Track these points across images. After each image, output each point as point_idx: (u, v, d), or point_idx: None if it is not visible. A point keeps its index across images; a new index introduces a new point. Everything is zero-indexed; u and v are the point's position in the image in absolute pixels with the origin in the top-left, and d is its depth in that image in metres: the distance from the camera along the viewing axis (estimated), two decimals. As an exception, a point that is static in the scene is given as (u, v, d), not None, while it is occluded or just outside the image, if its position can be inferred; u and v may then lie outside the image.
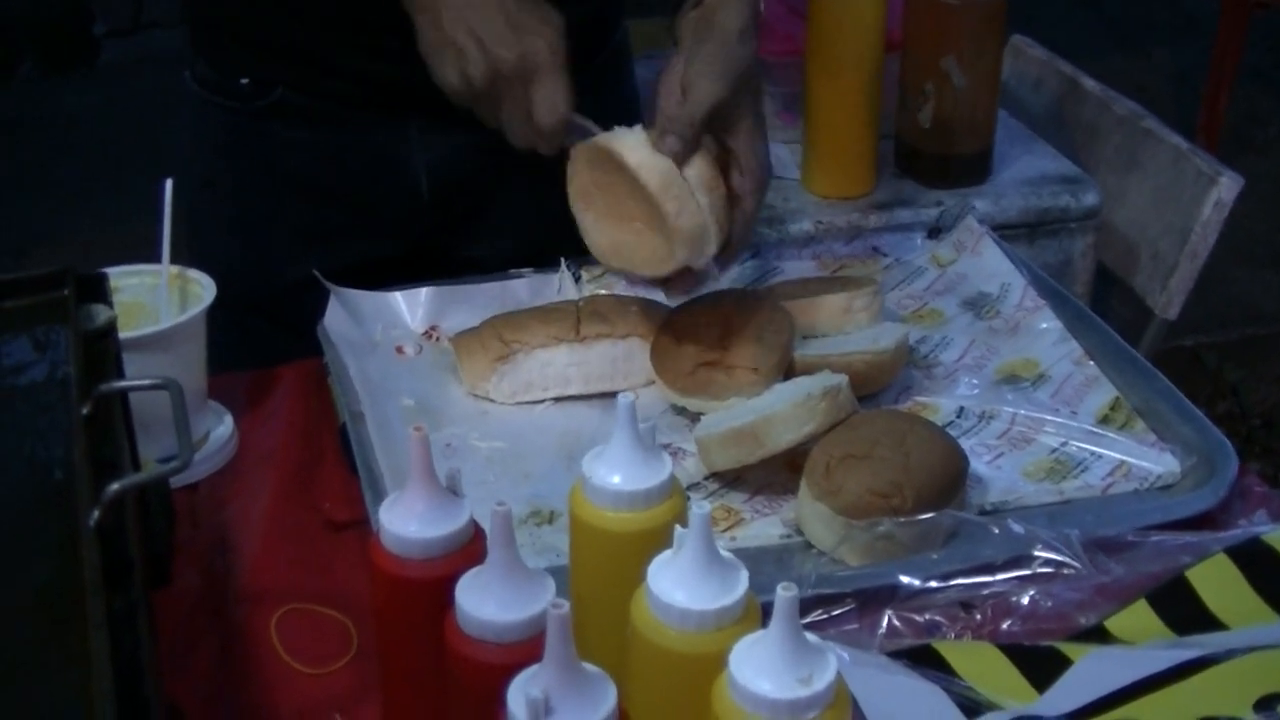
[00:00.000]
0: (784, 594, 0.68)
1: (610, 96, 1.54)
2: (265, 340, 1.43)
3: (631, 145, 1.13)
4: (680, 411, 1.19)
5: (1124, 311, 1.98)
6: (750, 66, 1.18)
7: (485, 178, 1.45)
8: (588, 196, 1.17)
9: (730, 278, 1.36)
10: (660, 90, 1.16)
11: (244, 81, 1.41)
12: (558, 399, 1.23)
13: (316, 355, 1.26)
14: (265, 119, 1.41)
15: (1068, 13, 4.76)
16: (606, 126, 1.15)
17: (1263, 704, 0.86)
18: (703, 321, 1.19)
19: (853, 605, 0.99)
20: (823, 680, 0.68)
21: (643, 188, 1.11)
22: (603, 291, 1.33)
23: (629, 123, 1.16)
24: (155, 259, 1.19)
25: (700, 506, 0.73)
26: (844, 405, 1.10)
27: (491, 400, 1.23)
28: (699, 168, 1.13)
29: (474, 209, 1.47)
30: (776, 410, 1.08)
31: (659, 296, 1.32)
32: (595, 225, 1.17)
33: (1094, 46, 4.35)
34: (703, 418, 1.14)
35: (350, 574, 1.05)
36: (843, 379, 1.12)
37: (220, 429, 1.21)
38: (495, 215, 1.48)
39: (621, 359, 1.23)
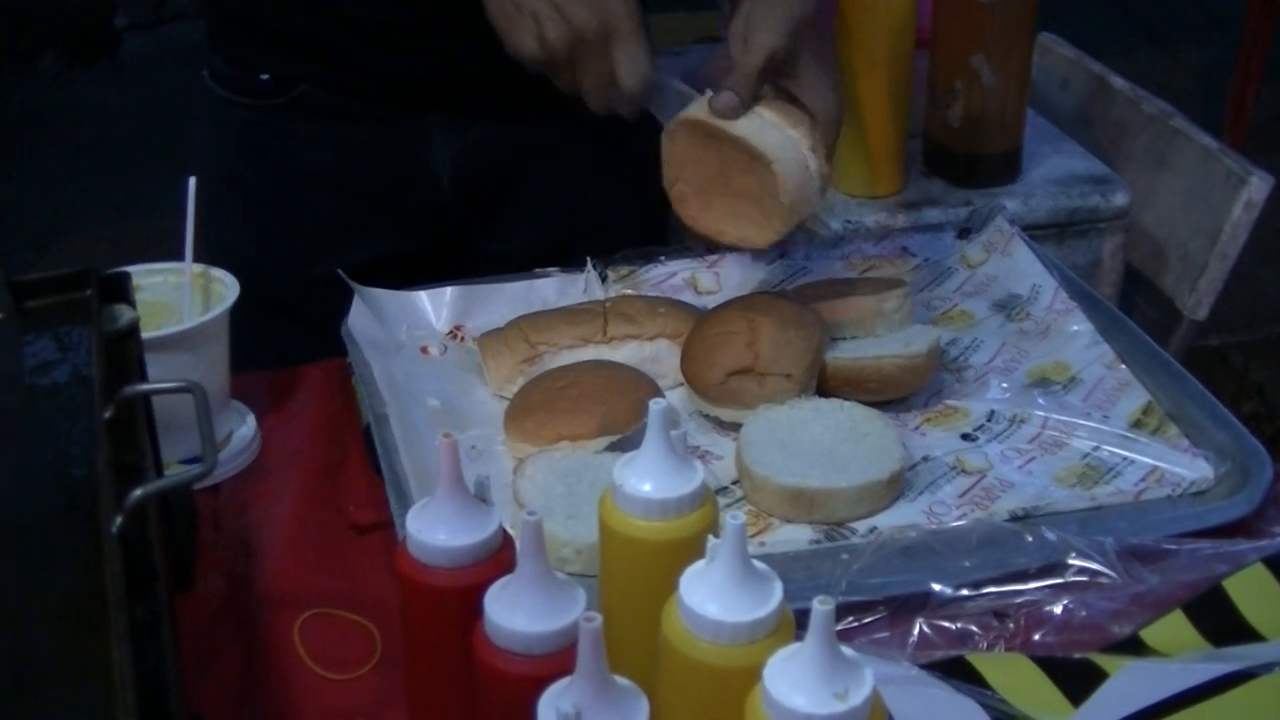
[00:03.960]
0: (820, 608, 0.66)
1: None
2: (287, 338, 1.42)
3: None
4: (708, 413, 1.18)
5: (1151, 312, 1.96)
6: (808, 13, 1.17)
7: (507, 172, 1.44)
8: (685, 174, 1.18)
9: (759, 279, 1.34)
10: (730, 47, 1.17)
11: (264, 78, 1.40)
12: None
13: (339, 354, 1.25)
14: (286, 116, 1.40)
15: (1092, 9, 4.74)
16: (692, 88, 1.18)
17: (1304, 719, 0.85)
18: (732, 328, 1.17)
19: (884, 613, 0.98)
20: (859, 695, 0.67)
21: (741, 153, 1.13)
22: (630, 292, 1.32)
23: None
24: (175, 253, 1.18)
25: (734, 517, 0.72)
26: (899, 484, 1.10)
27: (517, 402, 1.21)
28: (776, 118, 1.15)
29: (495, 204, 1.46)
30: (841, 487, 1.06)
31: (688, 297, 1.31)
32: (697, 208, 1.19)
33: (1118, 43, 4.33)
34: (744, 427, 1.11)
35: (374, 578, 1.04)
36: (909, 457, 1.11)
37: (243, 429, 1.20)
38: (517, 210, 1.47)
39: (649, 361, 1.21)
